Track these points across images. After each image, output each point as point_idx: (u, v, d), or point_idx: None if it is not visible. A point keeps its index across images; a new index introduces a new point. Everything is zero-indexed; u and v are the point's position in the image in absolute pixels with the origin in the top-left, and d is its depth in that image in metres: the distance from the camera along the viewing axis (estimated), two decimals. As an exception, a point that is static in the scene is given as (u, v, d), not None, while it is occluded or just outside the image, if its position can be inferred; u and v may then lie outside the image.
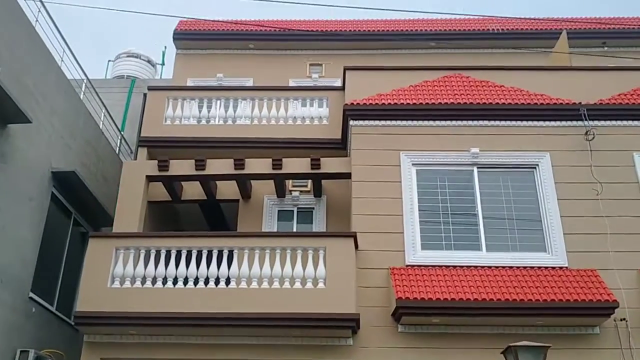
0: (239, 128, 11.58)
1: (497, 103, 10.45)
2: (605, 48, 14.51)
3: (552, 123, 10.36)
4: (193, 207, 12.53)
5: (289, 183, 11.98)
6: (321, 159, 10.69)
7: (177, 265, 9.19)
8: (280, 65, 14.68)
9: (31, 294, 9.79)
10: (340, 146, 11.36)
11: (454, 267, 9.31)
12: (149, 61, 17.72)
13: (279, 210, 11.99)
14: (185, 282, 9.10)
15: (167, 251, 9.36)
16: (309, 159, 10.71)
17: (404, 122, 10.46)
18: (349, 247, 9.22)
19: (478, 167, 10.14)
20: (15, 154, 9.38)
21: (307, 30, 14.84)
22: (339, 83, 12.43)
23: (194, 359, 8.98)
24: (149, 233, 10.37)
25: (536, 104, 10.44)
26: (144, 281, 9.11)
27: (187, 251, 9.27)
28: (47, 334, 10.21)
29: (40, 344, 9.74)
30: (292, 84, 14.01)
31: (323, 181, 11.52)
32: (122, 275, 9.07)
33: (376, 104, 10.58)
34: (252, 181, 11.70)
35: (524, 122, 10.38)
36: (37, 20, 10.38)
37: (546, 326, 8.82)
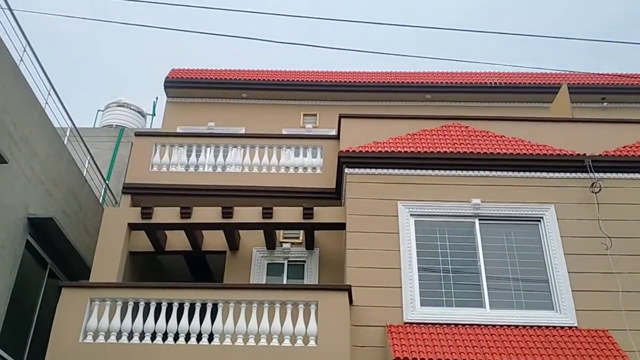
0: (228, 176, 11.13)
1: (499, 153, 10.07)
2: (605, 103, 14.33)
3: (557, 174, 9.96)
4: (177, 259, 11.88)
5: (280, 234, 11.40)
6: (314, 208, 10.18)
7: (156, 319, 8.49)
8: (274, 115, 14.41)
9: (-3, 350, 9.01)
10: (334, 196, 10.89)
11: (455, 325, 8.66)
12: (139, 112, 17.42)
13: (268, 263, 11.36)
14: (165, 337, 8.37)
15: (146, 304, 8.67)
16: (301, 208, 10.20)
17: (402, 171, 10.02)
18: (343, 302, 8.58)
19: (480, 219, 9.64)
20: (-11, 197, 8.81)
21: (302, 80, 14.64)
22: (333, 133, 12.07)
23: None
24: (127, 283, 9.69)
25: (539, 154, 10.07)
26: (119, 336, 8.38)
27: (168, 304, 8.60)
28: (13, 395, 9.36)
29: (3, 405, 8.89)
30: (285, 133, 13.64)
31: (316, 233, 10.97)
32: (96, 329, 8.35)
33: (373, 151, 10.17)
34: (240, 232, 11.13)
35: (527, 173, 9.96)
36: (21, 60, 10.02)
37: (556, 393, 8.10)
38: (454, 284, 9.19)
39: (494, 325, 8.62)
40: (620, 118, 11.86)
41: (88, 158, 13.07)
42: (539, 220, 9.60)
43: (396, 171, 10.03)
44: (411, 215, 9.66)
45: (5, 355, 9.20)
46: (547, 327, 8.62)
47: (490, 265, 9.27)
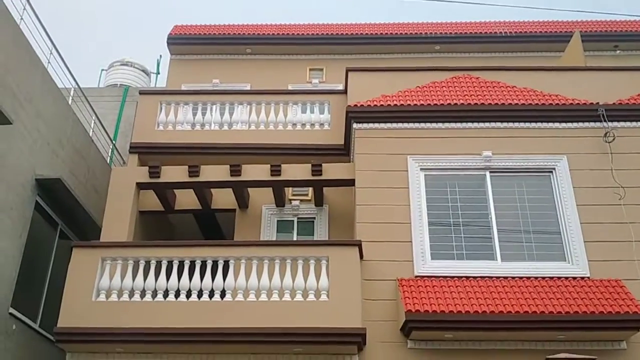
0: (235, 133, 10.99)
1: (510, 104, 9.85)
2: (618, 51, 13.98)
3: (569, 124, 9.76)
4: (187, 217, 11.87)
5: (289, 191, 11.33)
6: (323, 164, 10.06)
7: (168, 277, 8.51)
8: (279, 71, 14.15)
9: (11, 310, 9.09)
10: (342, 152, 10.76)
11: (467, 278, 8.64)
12: (143, 70, 17.18)
13: (278, 221, 11.32)
14: (177, 295, 8.41)
15: (157, 262, 8.68)
16: (309, 165, 10.09)
17: (412, 125, 9.85)
18: (354, 257, 8.56)
19: (491, 172, 9.51)
20: (-5, 158, 8.75)
21: (307, 34, 14.34)
22: (340, 88, 11.86)
23: (186, 379, 8.27)
24: (138, 242, 9.69)
25: (551, 104, 9.85)
26: (132, 294, 8.42)
27: (179, 262, 8.60)
28: (30, 353, 9.50)
29: (21, 364, 9.03)
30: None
31: (325, 189, 10.88)
32: (109, 288, 8.39)
33: (381, 105, 9.98)
34: (249, 190, 11.06)
35: (539, 124, 9.77)
36: (21, 19, 9.82)
37: (568, 341, 8.11)
38: (464, 237, 9.13)
39: (505, 277, 8.59)
40: (634, 65, 11.56)
41: (94, 118, 12.96)
42: (551, 172, 9.46)
43: (405, 125, 9.86)
44: (421, 169, 9.54)
45: (19, 315, 9.30)
46: (559, 278, 8.57)
47: (502, 217, 9.19)
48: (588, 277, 8.60)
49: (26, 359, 9.28)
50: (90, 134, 12.37)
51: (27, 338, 9.57)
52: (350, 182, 9.90)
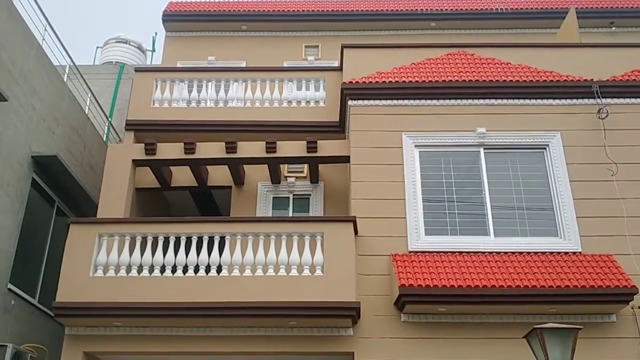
0: (231, 111, 10.99)
1: (504, 80, 9.88)
2: (614, 28, 13.96)
3: (563, 101, 9.81)
4: (183, 194, 11.94)
5: (284, 168, 11.39)
6: (318, 141, 10.11)
7: (164, 252, 8.60)
8: (275, 47, 14.11)
9: (10, 286, 9.18)
10: (338, 129, 10.80)
11: (460, 253, 8.75)
12: (138, 47, 17.11)
13: (273, 197, 11.41)
14: (174, 270, 8.51)
15: (154, 238, 8.76)
16: (304, 142, 10.13)
17: (406, 102, 9.88)
18: (348, 233, 8.65)
19: (485, 148, 9.57)
20: (-9, 135, 8.78)
21: (303, 11, 14.28)
22: (336, 65, 11.85)
23: (183, 352, 8.42)
24: (135, 218, 9.78)
25: (545, 81, 9.88)
26: (129, 270, 8.51)
27: (176, 237, 8.69)
28: (29, 328, 9.61)
29: (20, 338, 9.13)
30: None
31: (320, 166, 10.94)
32: (106, 263, 8.48)
33: (376, 82, 10.00)
34: (245, 166, 11.12)
35: (533, 101, 9.82)
36: (14, -6, 9.75)
37: (559, 314, 8.26)
38: (458, 213, 9.22)
39: (498, 252, 8.71)
40: (629, 42, 11.57)
41: (89, 95, 12.94)
42: (545, 148, 9.53)
43: (400, 102, 9.89)
44: (415, 146, 9.59)
45: (18, 290, 9.39)
46: (551, 253, 8.69)
47: (495, 194, 9.28)
48: (580, 252, 8.71)
49: (25, 333, 9.39)
50: (86, 112, 12.36)
51: (26, 313, 9.67)
52: (345, 159, 9.95)
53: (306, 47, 14.28)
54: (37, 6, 10.58)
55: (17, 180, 9.49)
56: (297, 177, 11.39)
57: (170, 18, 14.46)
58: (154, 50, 17.79)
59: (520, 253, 8.70)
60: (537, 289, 7.95)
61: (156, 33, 21.10)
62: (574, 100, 9.79)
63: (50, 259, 10.39)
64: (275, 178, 11.10)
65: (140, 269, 8.52)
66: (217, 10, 14.49)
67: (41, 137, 10.21)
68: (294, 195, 11.40)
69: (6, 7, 9.28)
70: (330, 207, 11.03)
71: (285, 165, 11.27)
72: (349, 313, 8.10)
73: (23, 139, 9.66)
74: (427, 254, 8.75)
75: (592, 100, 9.69)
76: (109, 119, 13.98)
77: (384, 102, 9.92)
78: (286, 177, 11.40)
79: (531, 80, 9.89)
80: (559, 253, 8.70)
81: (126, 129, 11.01)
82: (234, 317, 8.18)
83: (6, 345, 8.57)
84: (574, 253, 8.69)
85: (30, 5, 10.37)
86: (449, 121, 9.71)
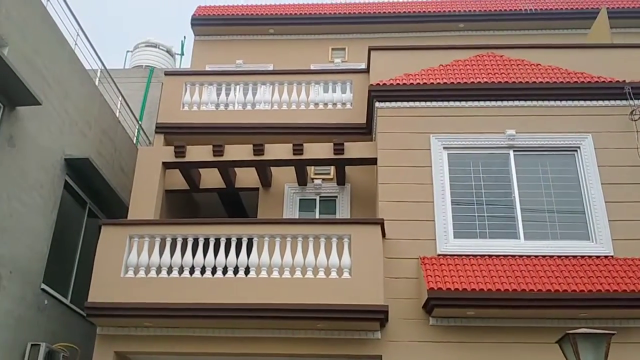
0: (258, 113, 11.09)
1: (534, 82, 9.77)
2: (646, 28, 13.69)
3: (594, 103, 9.66)
4: (212, 196, 12.05)
5: (311, 170, 11.42)
6: (345, 143, 10.11)
7: (194, 254, 8.68)
8: (302, 50, 14.16)
9: (43, 286, 9.37)
10: (365, 131, 10.81)
11: (489, 256, 8.67)
12: (167, 51, 17.33)
13: (300, 199, 11.44)
14: (203, 271, 8.59)
15: (183, 239, 8.86)
16: (331, 144, 10.15)
17: (435, 103, 9.83)
18: (376, 235, 8.63)
19: (514, 150, 9.47)
20: (26, 139, 8.96)
21: (330, 13, 14.31)
22: (362, 67, 11.85)
23: (212, 353, 8.49)
24: (165, 220, 9.90)
25: (576, 82, 9.74)
26: (159, 270, 8.62)
27: (205, 239, 8.77)
28: (61, 328, 9.79)
29: (53, 337, 9.32)
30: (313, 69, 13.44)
31: (347, 168, 10.95)
32: (137, 264, 8.59)
33: (404, 84, 9.97)
34: (272, 168, 11.18)
35: (564, 102, 9.69)
36: (48, 0, 9.96)
37: (590, 319, 8.12)
38: (487, 216, 9.14)
39: (528, 256, 8.60)
40: (663, 42, 11.32)
41: (120, 99, 13.15)
42: (576, 150, 9.40)
43: (428, 104, 9.85)
44: (444, 148, 9.53)
45: (51, 290, 9.58)
46: (582, 256, 8.56)
47: (525, 196, 9.17)
48: (612, 256, 8.57)
49: (58, 333, 9.57)
50: (117, 115, 12.57)
51: (59, 313, 9.86)
52: (373, 161, 9.95)
53: (333, 49, 14.31)
54: (70, 11, 10.80)
55: (51, 182, 9.68)
56: (323, 179, 11.41)
57: (199, 22, 14.61)
58: (182, 54, 18.01)
59: (551, 257, 8.59)
60: (568, 293, 7.84)
61: (185, 37, 21.41)
62: (606, 102, 9.64)
63: (82, 260, 10.58)
64: (302, 180, 11.14)
65: (169, 269, 8.62)
66: (245, 14, 14.61)
67: (73, 140, 10.40)
68: (320, 197, 11.42)
69: (40, 13, 9.49)
70: (357, 210, 11.03)
71: (312, 167, 11.30)
72: (377, 316, 8.09)
73: (56, 141, 9.85)
74: (455, 257, 8.68)
75: (624, 102, 9.54)
76: (139, 122, 14.18)
77: (411, 103, 9.89)
78: (313, 179, 11.44)
79: (561, 82, 9.76)
80: (590, 257, 8.56)
81: (156, 132, 11.17)
82: (262, 319, 8.22)
83: (39, 344, 8.76)
84: (606, 257, 8.55)
85: (63, 10, 10.59)
86: (478, 123, 9.63)
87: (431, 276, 8.22)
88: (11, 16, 8.59)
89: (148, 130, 14.20)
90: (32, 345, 8.74)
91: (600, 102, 9.65)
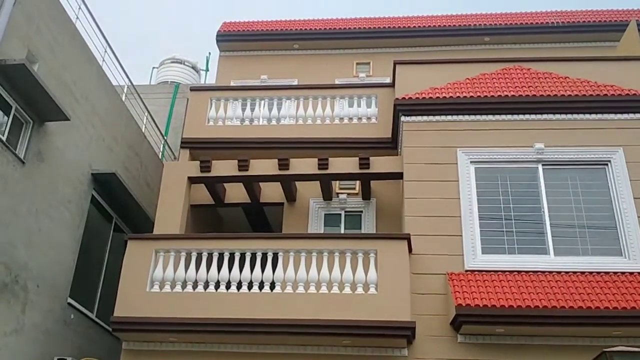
0: (283, 128, 11.09)
1: (563, 95, 9.62)
2: (677, 40, 13.41)
3: (625, 116, 9.48)
4: (236, 211, 12.04)
5: (336, 185, 11.37)
6: (370, 158, 10.05)
7: (219, 268, 8.66)
8: (326, 65, 14.19)
9: (70, 300, 9.44)
10: (390, 145, 10.73)
11: (519, 272, 8.50)
12: (193, 67, 17.50)
13: (325, 214, 11.39)
14: (228, 286, 8.54)
15: (208, 254, 8.84)
16: (357, 159, 10.09)
17: (461, 117, 9.73)
18: (403, 250, 8.52)
19: (543, 164, 9.31)
20: (54, 154, 9.08)
21: (354, 28, 14.31)
22: (387, 82, 11.81)
23: (237, 369, 8.41)
24: (190, 235, 9.89)
25: (606, 95, 9.57)
26: (184, 285, 8.60)
27: (230, 254, 8.74)
28: (87, 342, 9.83)
29: (79, 352, 9.35)
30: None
31: (372, 183, 10.88)
32: (162, 279, 8.58)
33: (430, 97, 9.89)
34: (297, 183, 11.16)
35: (593, 115, 9.52)
36: (77, 18, 10.14)
37: (624, 337, 7.89)
38: (516, 231, 8.97)
39: (558, 272, 8.41)
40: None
41: (146, 114, 13.28)
42: (607, 164, 9.21)
43: (455, 117, 9.75)
44: (471, 162, 9.41)
45: (77, 305, 9.63)
46: (615, 273, 8.34)
47: (555, 211, 8.99)
48: (646, 273, 8.34)
49: (84, 347, 9.60)
50: (143, 130, 12.69)
51: (85, 327, 9.91)
52: (398, 176, 9.86)
53: (357, 64, 14.30)
54: (98, 28, 10.96)
55: (78, 197, 9.77)
56: (348, 194, 11.35)
57: (224, 38, 14.73)
58: (207, 69, 18.16)
59: (582, 273, 8.38)
60: (601, 310, 7.63)
61: (210, 53, 21.62)
62: (637, 115, 9.45)
63: (108, 275, 10.64)
64: (327, 194, 11.08)
65: (195, 284, 8.60)
66: (270, 30, 14.70)
67: (100, 155, 10.50)
68: (345, 212, 11.35)
69: (69, 30, 9.64)
70: (382, 224, 10.93)
71: (337, 181, 11.24)
72: (404, 333, 7.96)
73: (84, 157, 9.96)
74: (484, 272, 8.53)
75: (656, 115, 9.33)
76: (165, 137, 14.29)
77: (437, 117, 9.80)
78: (338, 193, 11.38)
79: (591, 95, 9.60)
80: (623, 273, 8.34)
81: (181, 147, 11.23)
82: (288, 335, 8.13)
83: (66, 359, 8.78)
84: (639, 273, 8.32)
85: (92, 27, 10.75)
86: (506, 137, 9.50)
87: (459, 292, 8.07)
88: (41, 33, 8.74)
89: (173, 145, 14.31)
90: (58, 359, 8.77)
91: (631, 115, 9.47)
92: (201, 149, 10.99)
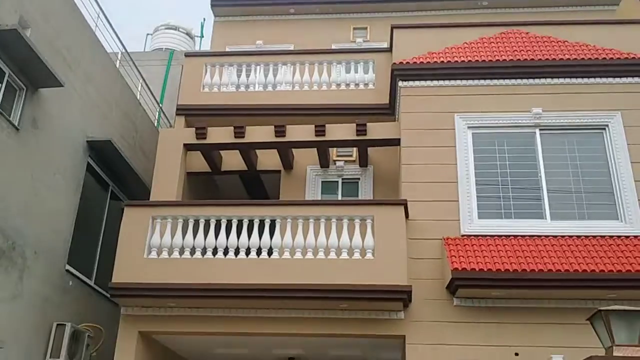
0: (279, 94, 10.99)
1: (561, 59, 9.54)
2: (678, 3, 13.27)
3: (623, 80, 9.42)
4: (233, 179, 12.02)
5: (333, 152, 11.32)
6: (368, 124, 9.99)
7: (216, 235, 8.67)
8: (323, 30, 13.98)
9: (68, 267, 9.45)
10: (387, 112, 10.66)
11: (515, 236, 8.55)
12: (187, 33, 17.27)
13: (322, 182, 11.35)
14: (226, 252, 8.57)
15: (205, 221, 8.84)
16: (354, 125, 10.03)
17: (459, 82, 9.65)
18: (399, 216, 8.53)
19: (541, 129, 9.28)
20: (49, 120, 8.99)
21: (351, -8, 14.07)
22: (385, 47, 11.67)
23: (235, 332, 8.51)
24: (187, 202, 9.90)
25: (605, 58, 9.50)
26: (182, 252, 8.62)
27: (227, 220, 8.74)
28: (86, 309, 9.88)
29: (78, 318, 9.40)
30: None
31: (370, 149, 10.83)
32: (159, 245, 8.60)
33: (427, 62, 9.80)
34: (294, 150, 11.10)
35: (591, 79, 9.46)
36: (69, -18, 9.93)
37: (619, 299, 7.90)
38: (513, 196, 8.99)
39: (555, 236, 8.45)
40: (695, 17, 10.98)
41: (140, 81, 13.14)
42: (604, 129, 9.18)
43: (453, 82, 9.67)
44: (468, 127, 9.37)
45: (75, 272, 9.66)
46: (611, 236, 8.39)
47: (551, 176, 9.00)
48: (641, 236, 8.38)
49: (83, 313, 9.66)
50: (138, 97, 12.57)
51: (84, 294, 9.95)
52: (396, 142, 9.82)
53: (354, 29, 14.11)
54: (90, -7, 10.76)
55: (73, 165, 9.72)
56: (346, 161, 11.31)
57: (219, 3, 14.50)
58: (202, 36, 17.95)
59: (578, 237, 8.43)
60: (596, 273, 7.69)
61: (204, 19, 21.32)
62: (636, 79, 9.39)
63: (105, 242, 10.65)
64: (324, 162, 11.05)
65: (193, 250, 8.62)
66: (265, -6, 14.46)
67: (95, 122, 10.42)
68: (342, 179, 11.33)
69: (61, -5, 9.46)
70: (380, 191, 10.92)
71: (334, 149, 11.20)
72: (400, 296, 8.02)
73: (78, 124, 9.88)
74: (480, 237, 8.57)
75: (655, 78, 9.27)
76: (160, 105, 14.17)
77: (435, 82, 9.72)
78: (335, 161, 11.34)
79: (589, 58, 9.52)
80: (619, 237, 8.39)
81: (177, 114, 11.14)
82: (285, 299, 8.19)
83: (65, 324, 8.84)
84: (636, 237, 8.36)
85: (82, -9, 10.55)
86: (504, 102, 9.45)
87: (455, 256, 8.11)
88: (33, -2, 8.58)
89: (169, 113, 14.19)
90: (57, 325, 8.83)
91: (630, 79, 9.41)
92: (197, 115, 10.90)
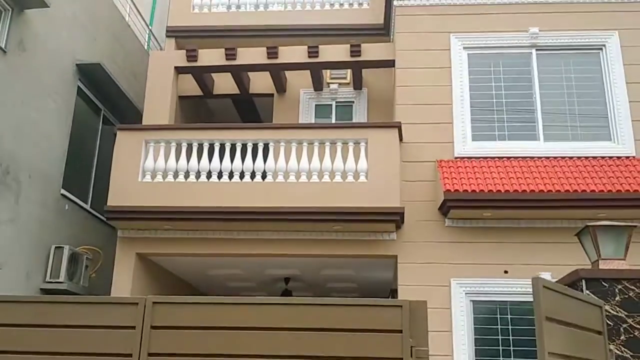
0: (271, 15, 10.75)
1: (560, -24, 9.26)
2: None
3: (622, -2, 9.19)
4: (226, 102, 11.90)
5: (327, 75, 11.15)
6: (362, 45, 9.80)
7: (210, 159, 8.66)
8: (315, -51, 13.45)
9: (63, 191, 9.49)
10: (382, 32, 10.46)
11: (508, 158, 8.58)
12: (175, -48, 16.56)
13: (316, 105, 11.24)
14: (220, 176, 8.59)
15: (199, 145, 8.81)
16: (348, 46, 9.84)
17: (455, 1, 9.41)
18: (393, 139, 8.52)
19: (537, 49, 9.14)
20: (36, 42, 8.79)
21: None
22: (380, -36, 11.29)
23: (231, 254, 8.66)
24: (180, 125, 9.86)
25: (605, -24, 9.22)
26: (176, 175, 8.64)
27: (220, 144, 8.71)
28: (83, 232, 10.00)
29: (75, 241, 9.53)
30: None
31: (364, 72, 10.67)
32: (153, 169, 8.60)
33: (423, -20, 9.51)
34: (287, 73, 10.94)
35: (590, -2, 9.23)
36: None
37: (609, 219, 7.91)
38: (507, 117, 8.96)
39: (547, 157, 8.49)
40: None
41: (129, 2, 12.76)
42: (601, 49, 9.05)
43: (448, 1, 9.43)
44: (464, 48, 9.22)
45: (71, 196, 9.71)
46: (603, 157, 8.43)
47: (546, 97, 8.94)
48: (634, 157, 8.43)
49: (80, 236, 9.79)
50: (127, 19, 12.24)
51: (80, 218, 10.04)
52: (390, 63, 9.68)
53: (348, -54, 13.59)
54: None
55: (64, 88, 9.58)
56: (340, 84, 11.17)
57: None
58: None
59: (571, 158, 8.47)
60: (587, 193, 7.77)
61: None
62: (635, -3, 9.18)
63: (99, 167, 10.65)
64: (318, 85, 10.91)
65: (187, 174, 8.64)
66: None
67: (84, 45, 10.19)
68: (336, 102, 11.22)
69: None
70: (374, 115, 10.85)
71: (328, 71, 11.03)
72: (393, 218, 8.12)
73: (67, 46, 9.66)
74: (473, 159, 8.60)
75: (655, -4, 9.06)
76: (149, 27, 13.83)
77: (431, 1, 9.48)
78: (329, 83, 11.19)
79: (590, -24, 9.25)
80: (611, 157, 8.44)
81: (167, 36, 10.92)
82: (280, 221, 8.29)
83: (63, 247, 8.98)
84: (628, 157, 8.42)
85: None
86: (500, 21, 9.25)
87: (447, 178, 8.17)
88: None
89: (159, 36, 13.86)
90: (56, 247, 8.96)
91: (629, -2, 9.19)
92: (187, 37, 10.68)
